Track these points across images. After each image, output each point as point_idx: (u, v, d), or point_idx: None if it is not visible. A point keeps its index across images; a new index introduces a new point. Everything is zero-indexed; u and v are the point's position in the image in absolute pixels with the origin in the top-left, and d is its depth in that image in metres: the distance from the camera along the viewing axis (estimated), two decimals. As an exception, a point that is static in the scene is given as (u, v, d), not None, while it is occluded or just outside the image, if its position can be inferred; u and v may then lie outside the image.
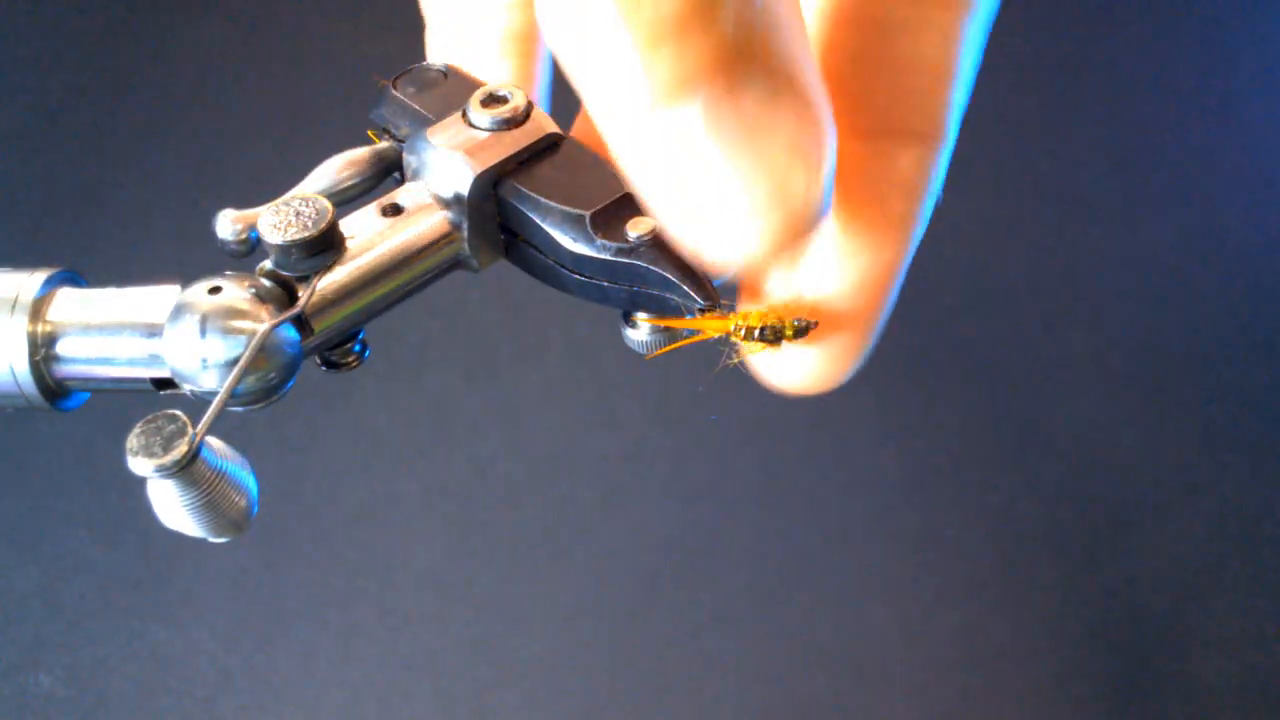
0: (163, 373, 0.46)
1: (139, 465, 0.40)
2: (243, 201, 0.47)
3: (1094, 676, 1.17)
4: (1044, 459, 1.30)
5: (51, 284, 0.48)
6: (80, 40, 1.58)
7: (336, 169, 0.50)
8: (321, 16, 1.63)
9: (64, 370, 0.47)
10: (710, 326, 0.43)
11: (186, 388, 0.46)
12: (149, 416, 0.41)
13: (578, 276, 0.45)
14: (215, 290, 0.45)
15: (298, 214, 0.45)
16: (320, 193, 0.48)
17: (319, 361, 0.48)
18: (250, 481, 0.43)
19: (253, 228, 0.46)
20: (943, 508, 1.27)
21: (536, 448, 1.29)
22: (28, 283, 0.47)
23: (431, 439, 1.29)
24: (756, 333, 0.43)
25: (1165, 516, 1.26)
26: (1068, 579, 1.22)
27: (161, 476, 0.40)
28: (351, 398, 1.28)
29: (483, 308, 1.35)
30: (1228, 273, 1.43)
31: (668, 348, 0.46)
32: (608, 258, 0.43)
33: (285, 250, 0.44)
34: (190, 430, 0.40)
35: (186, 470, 0.40)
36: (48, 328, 0.46)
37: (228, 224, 0.46)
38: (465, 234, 0.48)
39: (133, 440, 0.40)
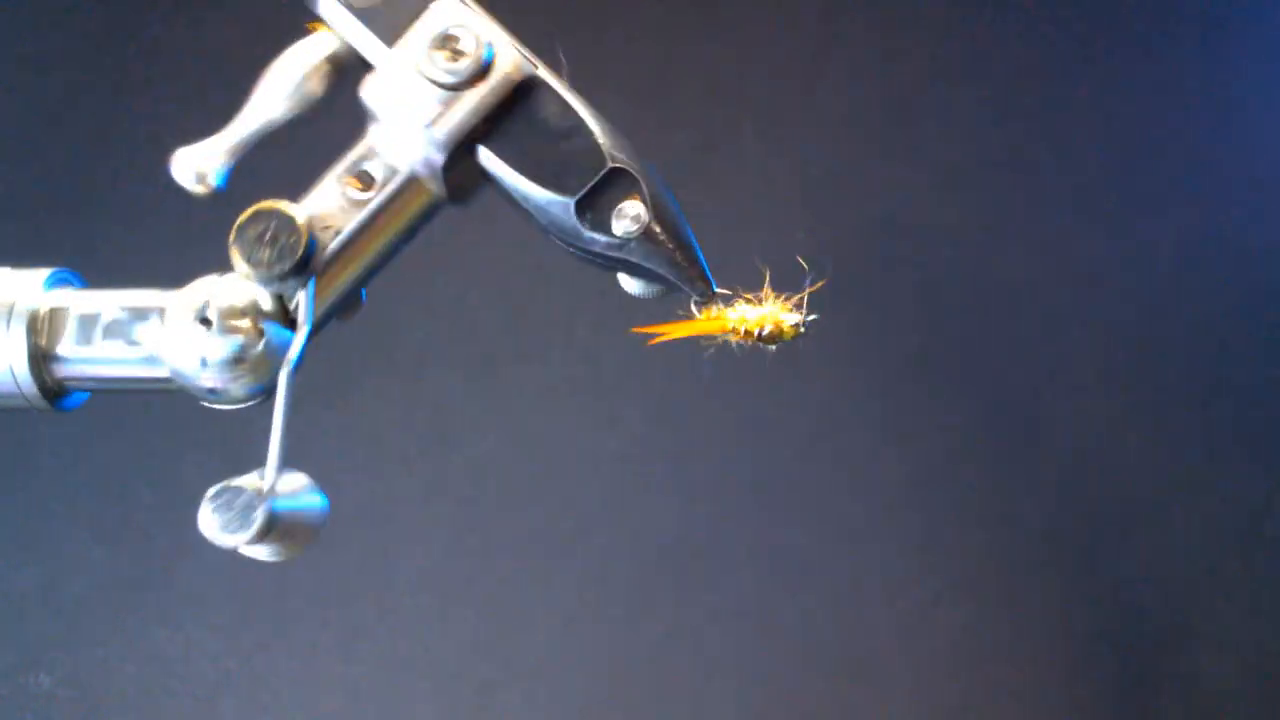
0: (162, 372, 0.46)
1: (224, 540, 0.43)
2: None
3: (1094, 676, 1.17)
4: (1044, 459, 1.30)
5: (51, 284, 0.48)
6: (80, 40, 1.58)
7: (296, 83, 0.48)
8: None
9: (63, 370, 0.47)
10: (710, 328, 0.44)
11: (184, 385, 0.46)
12: (213, 492, 0.42)
13: (567, 248, 0.44)
14: (213, 290, 0.45)
15: (273, 237, 0.44)
16: (288, 113, 0.47)
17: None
18: (320, 502, 0.45)
19: (216, 169, 0.45)
20: (943, 508, 1.26)
21: (536, 448, 1.29)
22: (28, 283, 0.47)
23: (431, 439, 1.29)
24: (756, 332, 0.43)
25: (1165, 516, 1.26)
26: (1068, 579, 1.22)
27: (249, 545, 0.43)
28: (351, 398, 1.28)
29: (483, 307, 1.35)
30: (1228, 273, 1.43)
31: (666, 333, 0.46)
32: (598, 251, 0.42)
33: (267, 282, 0.44)
34: (260, 501, 0.42)
35: (267, 535, 0.43)
36: (48, 328, 0.46)
37: (185, 169, 0.46)
38: (443, 190, 0.46)
39: (208, 519, 0.42)
